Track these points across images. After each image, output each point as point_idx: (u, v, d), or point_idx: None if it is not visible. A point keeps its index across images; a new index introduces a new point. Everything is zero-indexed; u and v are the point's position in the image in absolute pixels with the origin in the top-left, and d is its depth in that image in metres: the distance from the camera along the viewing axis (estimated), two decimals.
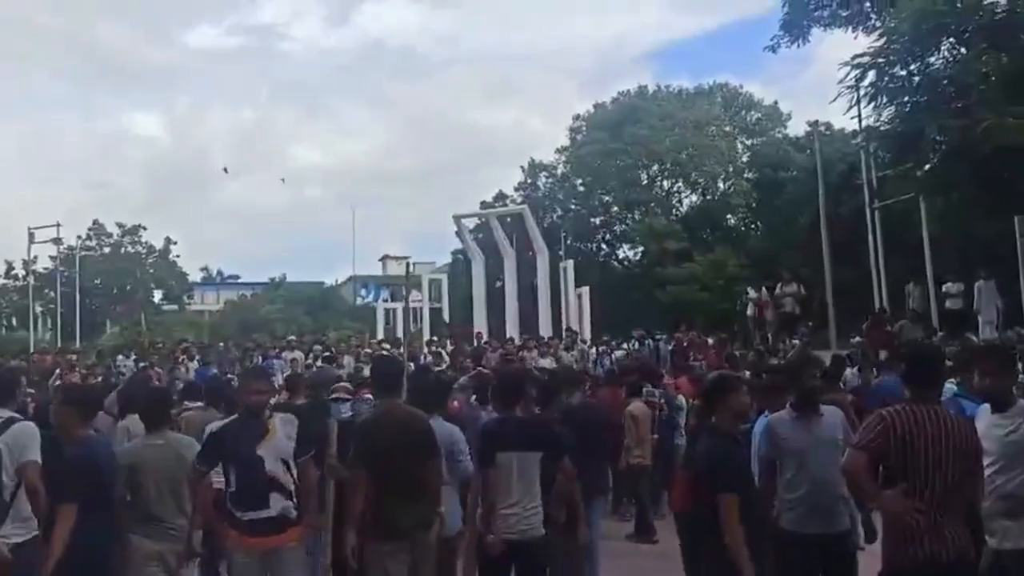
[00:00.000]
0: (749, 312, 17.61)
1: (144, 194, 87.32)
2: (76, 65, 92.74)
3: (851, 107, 16.41)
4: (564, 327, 24.24)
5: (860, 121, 21.55)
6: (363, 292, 54.57)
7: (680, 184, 42.08)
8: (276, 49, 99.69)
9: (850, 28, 19.60)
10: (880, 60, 14.41)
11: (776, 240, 33.26)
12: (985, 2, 12.95)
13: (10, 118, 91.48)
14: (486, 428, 5.77)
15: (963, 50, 13.84)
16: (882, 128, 15.55)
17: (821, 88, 71.33)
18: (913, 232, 20.69)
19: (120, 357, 16.51)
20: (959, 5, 13.29)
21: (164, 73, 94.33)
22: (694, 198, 42.09)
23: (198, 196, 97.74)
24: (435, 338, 21.26)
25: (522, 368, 10.94)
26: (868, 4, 19.17)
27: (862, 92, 15.17)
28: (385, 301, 38.63)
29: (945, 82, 13.66)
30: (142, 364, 13.66)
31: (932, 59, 14.24)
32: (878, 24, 18.87)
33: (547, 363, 14.86)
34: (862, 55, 15.04)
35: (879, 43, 16.06)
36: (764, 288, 17.93)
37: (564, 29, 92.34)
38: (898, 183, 18.25)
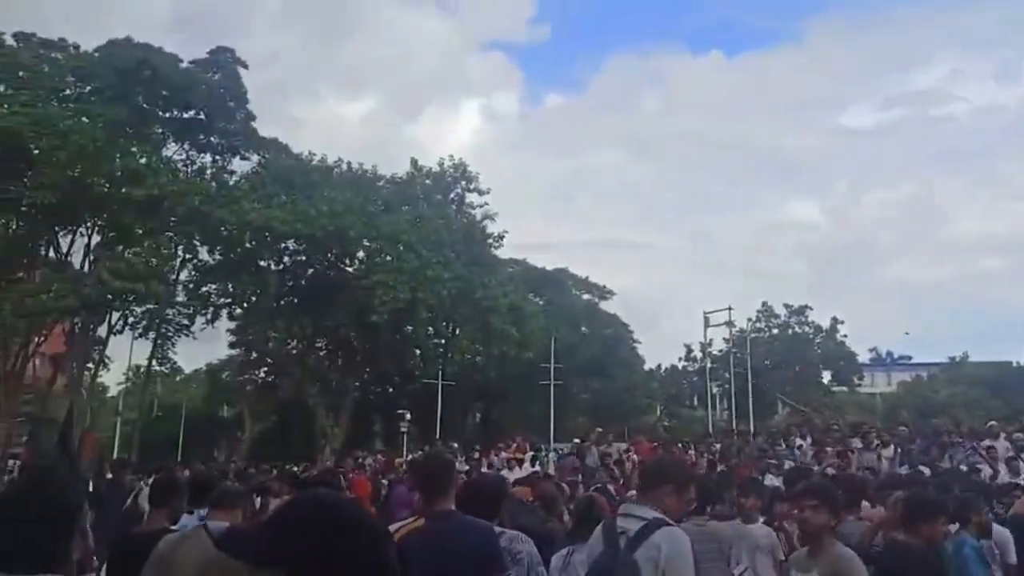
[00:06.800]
0: None
1: (807, 278, 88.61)
2: (736, 161, 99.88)
3: None
4: None
5: None
6: None
7: None
8: (934, 115, 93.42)
9: None
10: None
11: None
12: None
13: (682, 217, 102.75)
14: None
15: None
16: None
17: None
18: None
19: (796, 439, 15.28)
20: None
21: (819, 157, 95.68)
22: None
23: (860, 276, 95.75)
24: None
25: None
26: None
27: None
28: None
29: None
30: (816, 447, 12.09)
31: None
32: None
33: None
34: None
35: None
36: None
37: None
38: None
